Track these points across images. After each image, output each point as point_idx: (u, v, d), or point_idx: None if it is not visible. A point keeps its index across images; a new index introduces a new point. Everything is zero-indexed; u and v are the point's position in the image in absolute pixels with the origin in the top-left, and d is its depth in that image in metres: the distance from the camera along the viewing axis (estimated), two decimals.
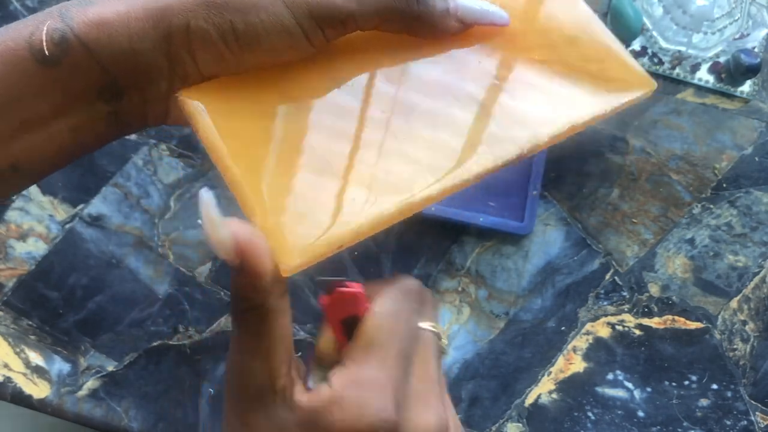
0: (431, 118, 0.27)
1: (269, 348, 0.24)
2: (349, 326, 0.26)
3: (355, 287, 0.25)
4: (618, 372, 0.47)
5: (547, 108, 0.27)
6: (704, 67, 0.49)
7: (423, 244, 0.48)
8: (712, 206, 0.49)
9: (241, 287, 0.23)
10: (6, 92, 0.24)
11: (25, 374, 0.46)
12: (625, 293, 0.48)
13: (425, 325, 0.27)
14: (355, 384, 0.24)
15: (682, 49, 0.49)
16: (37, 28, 0.24)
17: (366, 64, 0.28)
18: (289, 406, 0.24)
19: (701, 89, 0.49)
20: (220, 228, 0.22)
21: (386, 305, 0.26)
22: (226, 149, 0.25)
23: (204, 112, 0.26)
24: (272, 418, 0.24)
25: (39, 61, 0.24)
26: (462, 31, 0.29)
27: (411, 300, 0.27)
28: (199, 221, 0.24)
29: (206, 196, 0.22)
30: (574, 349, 0.47)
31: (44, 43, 0.24)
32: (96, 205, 0.48)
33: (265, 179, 0.25)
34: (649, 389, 0.47)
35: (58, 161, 0.27)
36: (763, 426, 0.46)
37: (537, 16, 0.30)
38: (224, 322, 0.47)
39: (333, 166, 0.26)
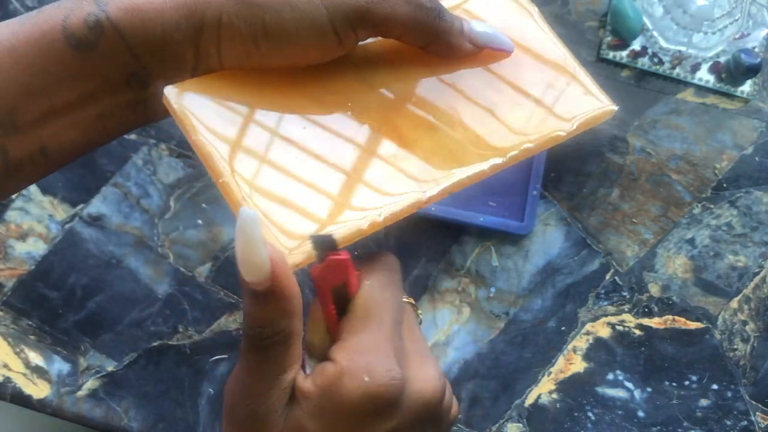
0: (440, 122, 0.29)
1: (287, 371, 0.24)
2: (338, 301, 0.25)
3: (343, 254, 0.25)
4: (618, 372, 0.47)
5: (527, 122, 0.29)
6: (704, 67, 0.49)
7: (423, 244, 0.48)
8: (712, 206, 0.49)
9: (268, 313, 0.23)
10: (38, 76, 0.24)
11: (24, 374, 0.46)
12: (625, 293, 0.48)
13: (404, 298, 0.28)
14: (359, 352, 0.24)
15: (683, 48, 0.49)
16: (72, 12, 0.24)
17: (391, 71, 0.29)
18: (298, 403, 0.24)
19: (701, 89, 0.49)
20: (260, 250, 0.21)
21: (377, 278, 0.26)
22: (214, 151, 0.25)
23: (187, 107, 0.25)
24: (288, 422, 0.24)
25: (73, 46, 0.24)
26: (473, 55, 0.30)
27: (395, 273, 0.28)
28: (234, 243, 0.23)
29: (250, 214, 0.21)
30: (575, 349, 0.47)
31: (80, 28, 0.24)
32: (96, 205, 0.48)
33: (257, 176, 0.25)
34: (649, 389, 0.46)
35: (84, 147, 0.27)
36: (763, 426, 0.46)
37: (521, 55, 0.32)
38: (224, 321, 0.47)
39: (340, 167, 0.26)
